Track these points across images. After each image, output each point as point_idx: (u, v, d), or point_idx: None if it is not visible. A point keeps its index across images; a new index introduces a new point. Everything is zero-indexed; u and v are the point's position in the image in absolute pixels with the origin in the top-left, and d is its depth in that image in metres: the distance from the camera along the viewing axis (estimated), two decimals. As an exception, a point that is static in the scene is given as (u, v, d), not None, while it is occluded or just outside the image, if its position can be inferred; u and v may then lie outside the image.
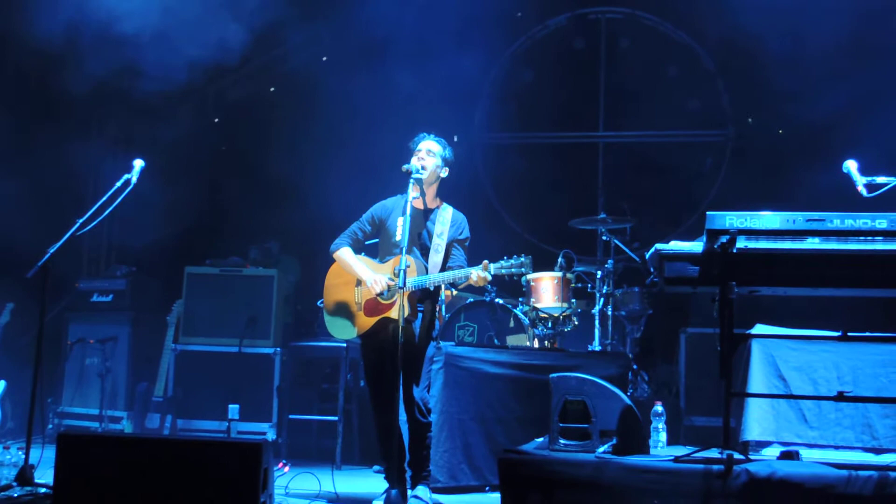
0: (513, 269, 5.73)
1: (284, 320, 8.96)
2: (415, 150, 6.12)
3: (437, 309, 6.23)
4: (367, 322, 5.97)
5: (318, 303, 6.91)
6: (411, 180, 5.92)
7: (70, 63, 8.55)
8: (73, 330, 9.09)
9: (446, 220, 6.11)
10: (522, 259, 5.74)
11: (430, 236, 6.06)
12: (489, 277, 5.74)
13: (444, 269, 6.01)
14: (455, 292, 8.34)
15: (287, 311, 9.34)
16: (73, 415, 8.83)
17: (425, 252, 6.03)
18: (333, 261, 6.26)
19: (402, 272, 5.51)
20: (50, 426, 8.80)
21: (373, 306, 5.97)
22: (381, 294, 5.91)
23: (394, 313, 5.54)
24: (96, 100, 10.21)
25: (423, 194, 6.08)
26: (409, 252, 5.65)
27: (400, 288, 5.46)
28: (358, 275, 6.05)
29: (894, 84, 8.79)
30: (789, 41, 9.33)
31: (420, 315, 5.98)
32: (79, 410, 8.79)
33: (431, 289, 5.95)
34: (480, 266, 5.74)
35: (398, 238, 5.92)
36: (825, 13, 8.84)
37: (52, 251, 5.72)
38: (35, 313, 5.81)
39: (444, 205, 6.22)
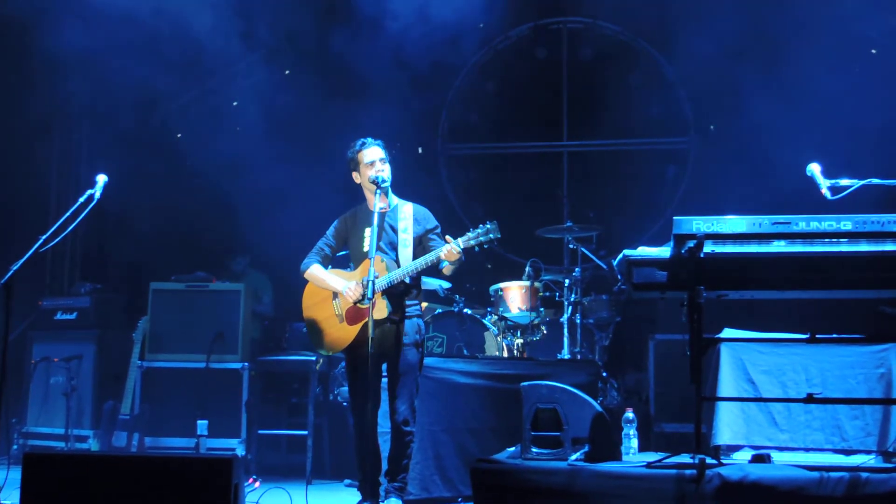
0: (481, 238, 5.70)
1: (251, 335, 8.90)
2: (364, 162, 6.10)
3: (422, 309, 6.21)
4: (352, 331, 5.94)
5: (303, 328, 6.86)
6: (378, 192, 5.95)
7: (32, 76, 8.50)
8: (37, 349, 8.95)
9: (408, 216, 6.11)
10: (489, 226, 5.70)
11: (396, 232, 6.06)
12: (459, 248, 5.70)
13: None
14: (426, 304, 8.33)
15: (255, 326, 9.28)
16: (38, 435, 8.69)
17: (394, 249, 6.03)
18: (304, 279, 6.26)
19: (370, 283, 5.51)
20: (15, 447, 8.68)
21: (353, 313, 5.96)
22: (358, 301, 5.90)
23: (375, 314, 5.53)
24: (57, 114, 10.16)
25: (388, 198, 6.11)
26: (378, 253, 5.73)
27: (369, 299, 5.46)
28: (332, 287, 6.05)
29: (856, 87, 8.89)
30: (749, 48, 9.44)
31: (405, 313, 5.98)
32: (44, 430, 8.66)
33: (408, 280, 5.92)
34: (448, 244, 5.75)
35: (366, 249, 5.92)
36: (784, 19, 8.95)
37: (14, 268, 5.65)
38: (-3, 333, 5.72)
39: (400, 200, 6.22)
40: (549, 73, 11.22)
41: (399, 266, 5.93)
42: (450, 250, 5.71)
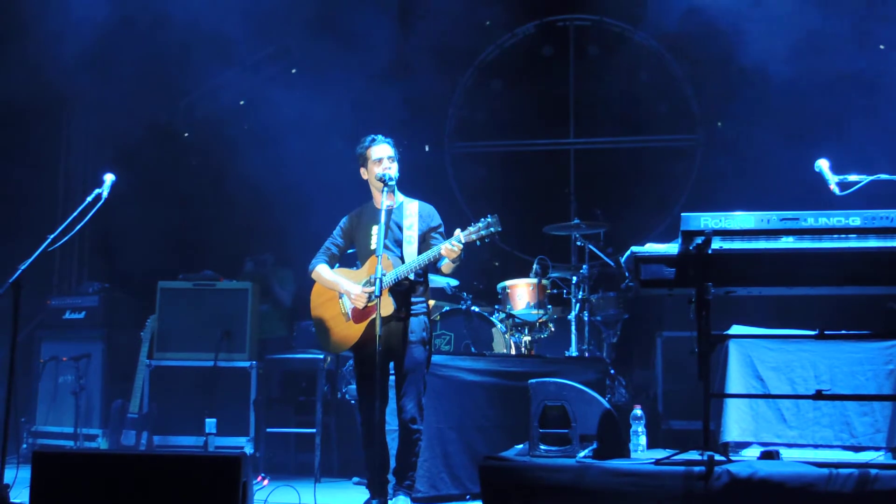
0: (482, 231, 5.71)
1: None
2: (373, 159, 6.10)
3: (428, 308, 6.20)
4: (358, 329, 5.97)
5: (310, 327, 6.88)
6: (385, 189, 5.93)
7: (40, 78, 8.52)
8: (45, 348, 8.96)
9: (413, 213, 6.13)
10: (489, 219, 5.72)
11: (401, 229, 6.07)
12: (460, 244, 5.70)
13: None
14: (433, 302, 8.32)
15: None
16: (47, 434, 8.71)
17: (399, 246, 6.05)
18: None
19: (377, 281, 5.52)
20: (24, 446, 8.69)
21: (359, 311, 5.98)
22: (365, 304, 5.92)
23: (381, 311, 5.54)
24: (65, 111, 10.17)
25: (394, 196, 6.11)
26: (384, 251, 5.71)
27: (377, 296, 5.47)
28: (337, 288, 6.08)
29: (863, 83, 8.86)
30: (757, 45, 9.41)
31: (411, 310, 5.99)
32: (53, 429, 8.67)
33: (412, 277, 5.93)
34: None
35: (373, 246, 5.93)
36: (792, 16, 8.92)
37: (23, 268, 5.65)
38: (6, 332, 5.72)
39: (406, 198, 6.23)
40: (555, 70, 11.20)
41: (403, 263, 5.94)
42: (450, 247, 5.72)
